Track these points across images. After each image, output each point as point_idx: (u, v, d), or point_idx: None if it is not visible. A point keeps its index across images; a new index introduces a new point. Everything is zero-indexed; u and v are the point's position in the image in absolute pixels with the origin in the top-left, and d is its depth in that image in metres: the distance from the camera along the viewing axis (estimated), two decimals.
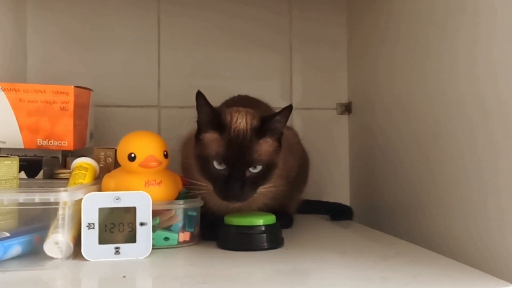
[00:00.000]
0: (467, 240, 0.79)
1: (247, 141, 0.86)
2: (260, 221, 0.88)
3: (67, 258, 0.79)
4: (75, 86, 1.00)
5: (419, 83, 0.95)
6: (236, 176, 0.84)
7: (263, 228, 0.88)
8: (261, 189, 0.88)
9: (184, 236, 0.90)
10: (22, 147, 0.97)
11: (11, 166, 0.84)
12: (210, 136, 0.88)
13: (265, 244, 0.87)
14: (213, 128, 0.88)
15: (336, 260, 0.82)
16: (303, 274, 0.76)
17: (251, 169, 0.86)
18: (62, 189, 0.77)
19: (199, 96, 0.88)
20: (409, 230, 0.97)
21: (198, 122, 0.90)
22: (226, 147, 0.85)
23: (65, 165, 1.01)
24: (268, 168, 0.87)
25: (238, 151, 0.85)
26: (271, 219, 0.89)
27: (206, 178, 0.88)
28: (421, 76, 0.94)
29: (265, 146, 0.88)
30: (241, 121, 0.88)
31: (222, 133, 0.87)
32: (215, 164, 0.86)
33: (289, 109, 0.88)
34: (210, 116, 0.88)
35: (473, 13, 0.78)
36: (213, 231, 0.91)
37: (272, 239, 0.88)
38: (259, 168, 0.86)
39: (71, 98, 0.98)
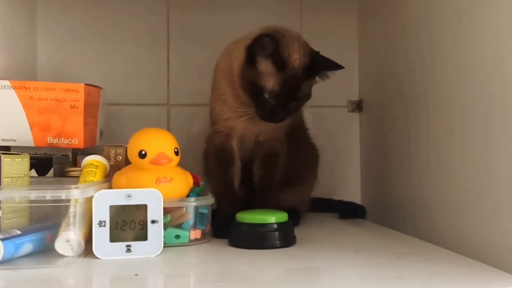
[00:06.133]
0: (482, 238, 0.77)
1: (299, 82, 0.95)
2: (272, 219, 0.87)
3: (78, 256, 0.78)
4: (85, 84, 0.99)
5: (432, 81, 0.93)
6: (282, 107, 0.94)
7: (275, 226, 0.87)
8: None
9: (195, 233, 0.89)
10: (33, 145, 0.97)
11: (22, 163, 0.83)
12: (266, 68, 0.93)
13: (277, 242, 0.86)
14: (271, 59, 0.93)
15: (350, 258, 0.81)
16: (316, 272, 0.75)
17: (293, 102, 0.96)
18: (73, 186, 0.76)
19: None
20: (421, 228, 0.95)
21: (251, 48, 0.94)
22: (281, 86, 0.93)
23: (75, 163, 1.01)
24: (305, 100, 0.99)
25: (289, 91, 0.94)
26: (283, 217, 0.88)
27: (251, 101, 0.95)
28: (432, 74, 0.92)
29: (309, 84, 0.97)
30: (296, 56, 0.94)
31: (280, 69, 0.93)
32: (266, 95, 0.93)
33: (336, 65, 0.96)
34: (271, 45, 0.92)
35: (496, 5, 0.76)
36: (224, 228, 0.90)
37: (285, 237, 0.87)
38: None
39: (81, 96, 0.98)
